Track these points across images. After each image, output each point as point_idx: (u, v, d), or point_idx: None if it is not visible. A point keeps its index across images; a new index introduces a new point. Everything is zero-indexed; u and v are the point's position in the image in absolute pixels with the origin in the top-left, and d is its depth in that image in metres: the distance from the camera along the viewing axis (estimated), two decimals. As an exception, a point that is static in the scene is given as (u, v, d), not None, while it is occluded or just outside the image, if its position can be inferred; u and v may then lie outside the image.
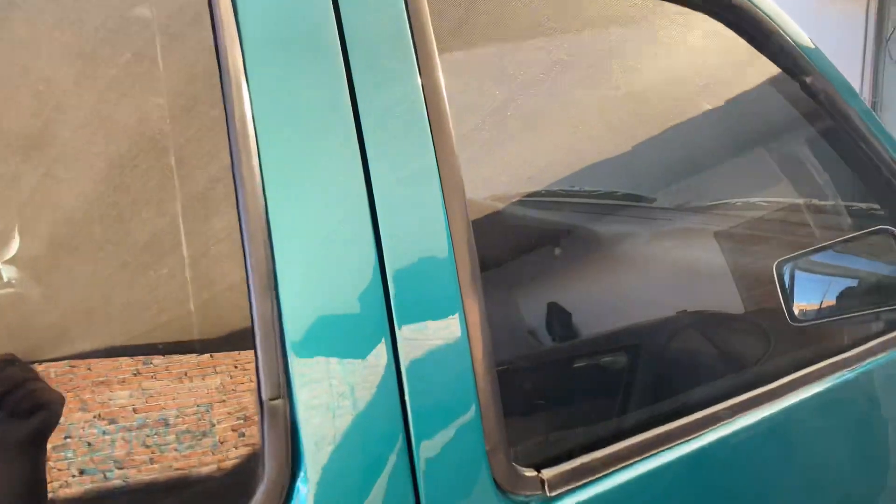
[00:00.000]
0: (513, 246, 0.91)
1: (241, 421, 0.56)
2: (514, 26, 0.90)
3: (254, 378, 0.54)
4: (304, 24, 0.60)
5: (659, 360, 0.98)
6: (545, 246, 0.98)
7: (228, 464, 0.55)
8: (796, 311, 1.23)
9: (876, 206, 1.37)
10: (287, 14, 0.59)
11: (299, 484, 0.54)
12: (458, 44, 0.86)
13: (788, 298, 1.24)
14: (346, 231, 0.59)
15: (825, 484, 1.01)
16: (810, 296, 1.29)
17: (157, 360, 0.55)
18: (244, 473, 0.55)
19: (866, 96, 7.39)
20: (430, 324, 0.61)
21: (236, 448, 0.56)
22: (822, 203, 1.43)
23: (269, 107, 0.57)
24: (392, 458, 0.58)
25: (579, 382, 0.90)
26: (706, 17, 1.01)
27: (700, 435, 0.81)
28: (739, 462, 0.85)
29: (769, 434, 0.90)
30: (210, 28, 0.57)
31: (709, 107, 1.14)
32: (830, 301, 1.33)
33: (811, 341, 1.28)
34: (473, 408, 0.62)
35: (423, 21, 0.66)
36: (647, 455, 0.74)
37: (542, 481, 0.66)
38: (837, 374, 1.05)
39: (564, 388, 0.87)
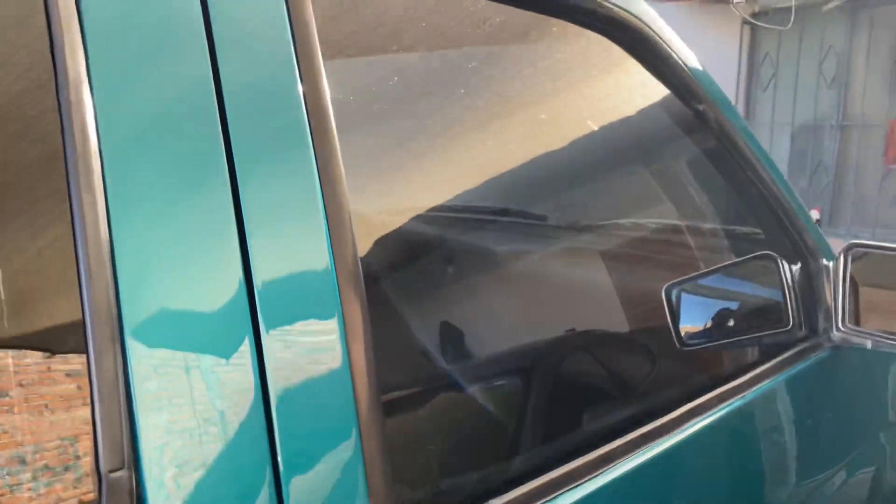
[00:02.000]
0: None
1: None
2: (402, 36, 0.84)
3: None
4: (163, 19, 0.51)
5: (547, 404, 0.95)
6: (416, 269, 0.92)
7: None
8: (684, 336, 1.24)
9: (758, 230, 1.41)
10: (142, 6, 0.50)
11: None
12: (345, 49, 0.78)
13: (677, 322, 1.24)
14: (206, 266, 0.50)
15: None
16: (698, 319, 1.29)
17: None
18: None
19: (740, 120, 7.87)
20: (308, 382, 0.53)
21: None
22: (710, 226, 1.46)
23: (115, 111, 0.47)
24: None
25: (473, 423, 0.84)
26: (602, 38, 0.98)
27: (602, 472, 0.77)
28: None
29: (655, 470, 0.88)
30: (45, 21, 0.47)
31: (597, 127, 1.12)
32: (717, 325, 1.35)
33: (700, 366, 1.29)
34: (360, 480, 0.55)
35: (307, 21, 0.59)
36: (550, 498, 0.70)
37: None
38: (727, 403, 1.04)
39: (456, 428, 0.81)
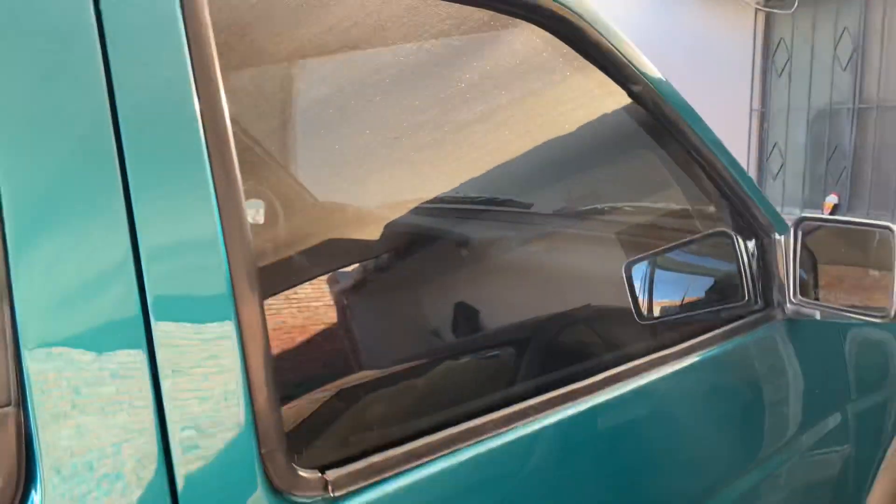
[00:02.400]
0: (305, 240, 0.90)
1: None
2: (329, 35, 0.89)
3: None
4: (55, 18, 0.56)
5: (465, 359, 1.00)
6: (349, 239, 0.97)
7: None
8: (643, 309, 1.28)
9: (712, 207, 1.44)
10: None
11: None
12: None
13: (636, 297, 1.28)
14: (95, 220, 0.55)
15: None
16: (657, 294, 1.34)
17: None
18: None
19: (755, 106, 7.80)
20: (193, 316, 0.59)
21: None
22: (667, 206, 1.50)
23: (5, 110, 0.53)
24: (147, 468, 0.56)
25: (377, 377, 0.89)
26: (527, 24, 1.03)
27: (491, 437, 0.80)
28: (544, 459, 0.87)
29: (575, 427, 0.91)
30: None
31: (533, 117, 1.16)
32: (675, 299, 1.39)
33: (658, 338, 1.33)
34: (244, 410, 0.60)
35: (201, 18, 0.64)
36: (445, 452, 0.75)
37: (326, 482, 0.66)
38: (665, 366, 1.08)
39: (359, 383, 0.87)
